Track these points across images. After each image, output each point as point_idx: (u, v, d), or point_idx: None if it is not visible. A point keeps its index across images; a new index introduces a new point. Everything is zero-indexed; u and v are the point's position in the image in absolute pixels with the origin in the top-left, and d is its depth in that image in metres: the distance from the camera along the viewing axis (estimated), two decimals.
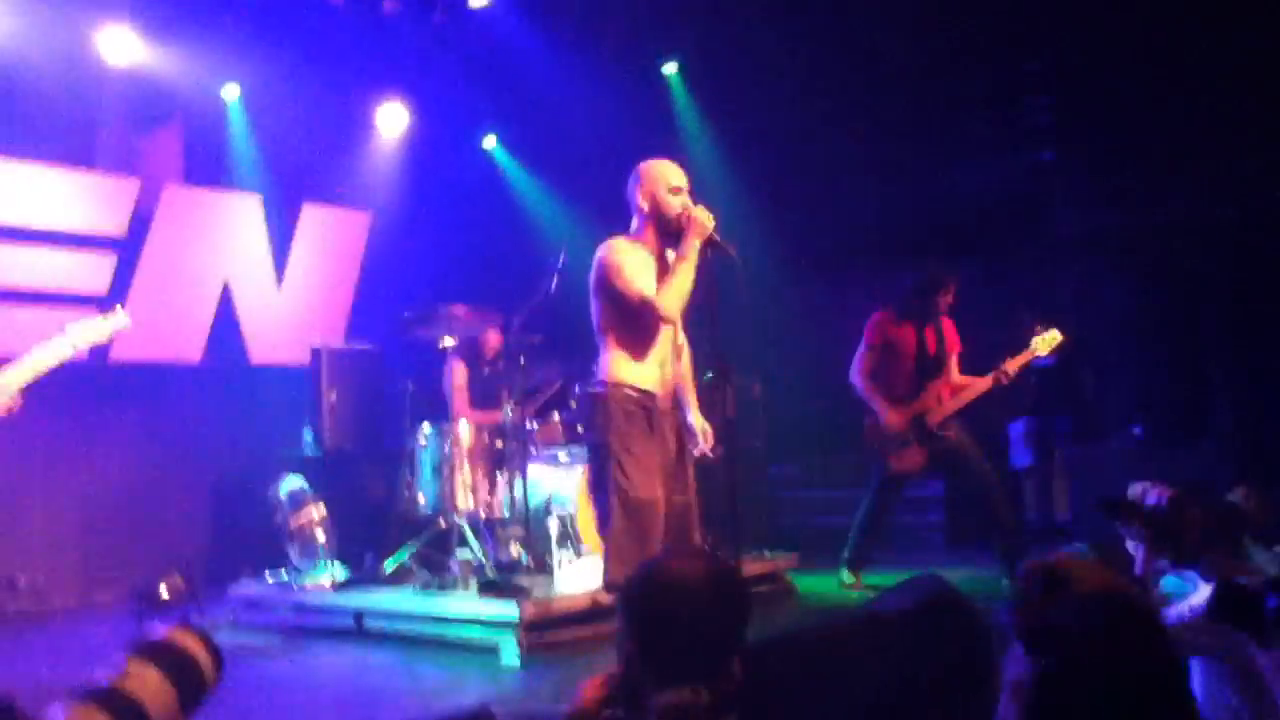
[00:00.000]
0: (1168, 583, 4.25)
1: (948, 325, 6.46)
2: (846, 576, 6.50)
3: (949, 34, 7.78)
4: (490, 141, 9.48)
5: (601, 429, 4.25)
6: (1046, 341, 6.21)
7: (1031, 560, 1.77)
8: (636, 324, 4.28)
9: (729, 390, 4.42)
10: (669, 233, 4.28)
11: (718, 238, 4.24)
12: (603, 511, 4.27)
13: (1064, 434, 7.94)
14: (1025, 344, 6.22)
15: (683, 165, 4.45)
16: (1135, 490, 5.09)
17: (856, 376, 6.41)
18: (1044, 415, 7.97)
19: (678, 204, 4.27)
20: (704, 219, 4.21)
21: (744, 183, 8.38)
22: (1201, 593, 3.98)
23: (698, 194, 4.39)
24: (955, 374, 6.38)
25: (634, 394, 4.25)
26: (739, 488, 4.27)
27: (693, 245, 4.19)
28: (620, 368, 4.28)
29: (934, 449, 6.26)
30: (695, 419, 4.54)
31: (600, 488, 4.27)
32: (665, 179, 4.32)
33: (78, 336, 3.87)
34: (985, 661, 3.08)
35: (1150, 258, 7.87)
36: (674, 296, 4.18)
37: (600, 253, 4.33)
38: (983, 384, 6.25)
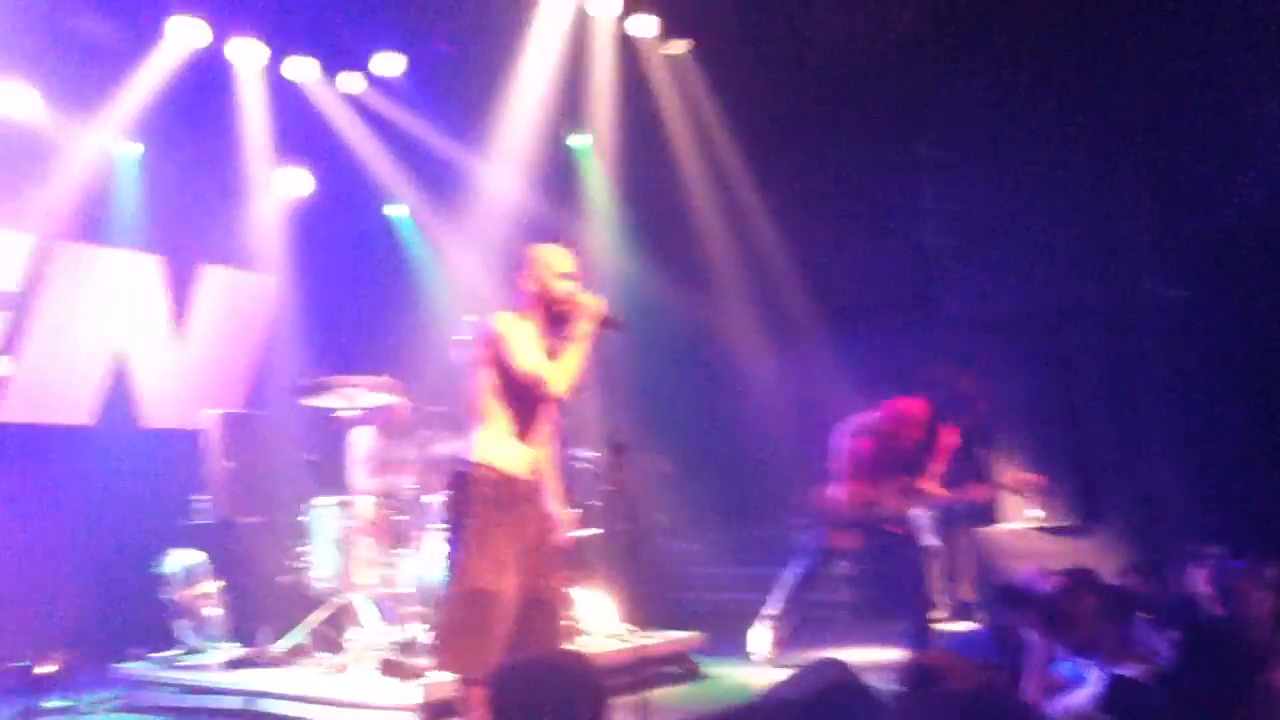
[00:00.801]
0: (1065, 669, 4.34)
1: (949, 434, 6.55)
2: (760, 644, 6.53)
3: (843, 112, 8.00)
4: (395, 210, 9.41)
5: (458, 510, 4.21)
6: (1023, 481, 6.77)
7: (909, 657, 1.79)
8: (521, 400, 4.24)
9: (627, 468, 4.41)
10: (555, 316, 4.30)
11: (608, 316, 4.26)
12: (443, 593, 4.22)
13: (966, 515, 8.08)
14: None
15: (585, 235, 4.47)
16: (1024, 576, 5.21)
17: (843, 443, 6.54)
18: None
19: (565, 290, 4.29)
20: (593, 304, 4.24)
21: (648, 256, 8.47)
22: (1092, 683, 4.07)
23: (598, 268, 4.42)
24: (927, 480, 6.53)
25: (496, 478, 4.20)
26: (642, 564, 4.24)
27: (583, 328, 4.20)
28: (486, 448, 4.22)
29: (871, 539, 6.46)
30: (556, 506, 4.44)
31: (446, 569, 4.23)
32: (553, 266, 4.35)
33: None
34: None
35: (1035, 341, 8.12)
36: (565, 374, 4.17)
37: (488, 325, 4.29)
38: (940, 496, 6.57)
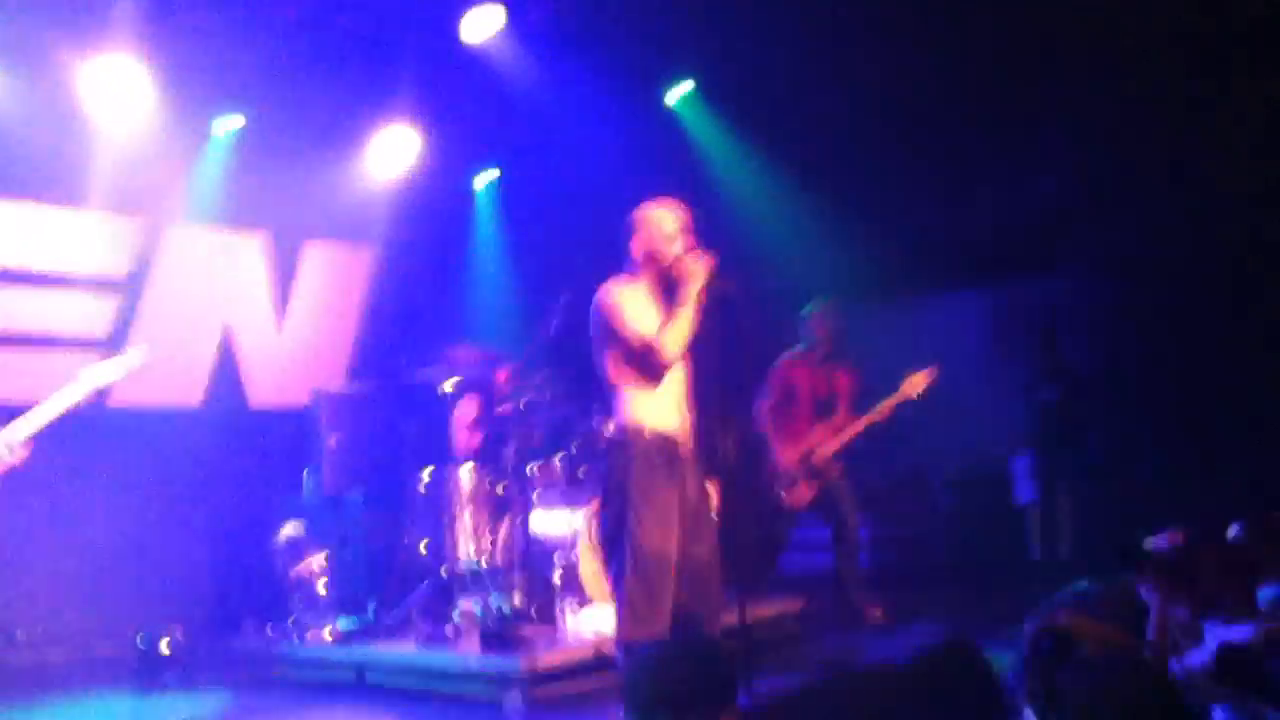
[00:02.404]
0: (1184, 629, 4.13)
1: (846, 366, 6.81)
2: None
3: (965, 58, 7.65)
4: (485, 180, 9.35)
5: (620, 473, 4.15)
6: (914, 383, 6.61)
7: (1039, 623, 1.66)
8: (643, 368, 4.20)
9: (731, 436, 4.34)
10: (666, 277, 4.23)
11: (716, 280, 4.18)
12: (616, 564, 4.15)
13: (1068, 469, 7.83)
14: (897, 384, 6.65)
15: (692, 195, 4.40)
16: (1149, 540, 4.98)
17: (760, 414, 6.74)
18: (1047, 450, 7.88)
19: (673, 251, 4.22)
20: (700, 268, 4.15)
21: (759, 210, 8.24)
22: (1205, 648, 3.87)
23: (713, 224, 4.34)
24: (844, 414, 6.72)
25: (657, 439, 4.16)
26: (743, 530, 4.19)
27: (690, 292, 4.13)
28: (641, 410, 4.19)
29: (819, 486, 6.61)
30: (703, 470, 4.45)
31: (615, 539, 4.15)
32: (660, 226, 4.28)
33: (92, 379, 3.80)
34: (1000, 713, 2.96)
35: (1160, 288, 7.78)
36: (675, 338, 4.13)
37: (598, 298, 4.28)
38: (855, 424, 6.65)
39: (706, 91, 8.69)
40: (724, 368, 4.73)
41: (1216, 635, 3.85)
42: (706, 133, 8.77)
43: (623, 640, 4.05)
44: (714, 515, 4.40)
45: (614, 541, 4.17)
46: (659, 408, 4.20)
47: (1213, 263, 7.49)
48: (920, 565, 8.09)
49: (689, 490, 4.21)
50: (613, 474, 4.21)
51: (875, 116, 7.99)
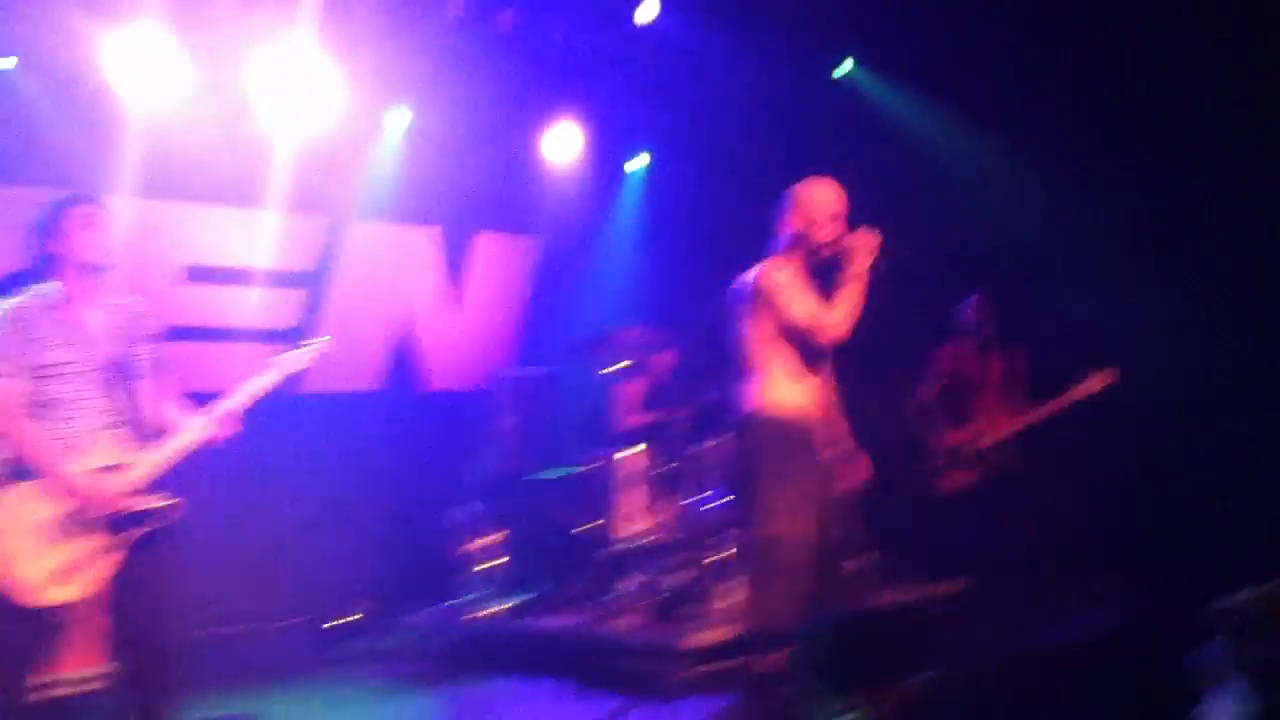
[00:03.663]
0: None
1: (1018, 354, 6.72)
2: None
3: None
4: (638, 164, 9.41)
5: (753, 456, 4.11)
6: (1093, 382, 6.41)
7: (1246, 595, 1.61)
8: (802, 347, 4.15)
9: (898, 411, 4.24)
10: (821, 257, 4.17)
11: (885, 249, 4.11)
12: (750, 548, 4.11)
13: None
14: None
15: (862, 171, 4.32)
16: None
17: (922, 399, 6.71)
18: None
19: (836, 231, 4.15)
20: (868, 244, 4.08)
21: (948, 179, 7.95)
22: None
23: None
24: (1019, 404, 6.62)
25: (793, 418, 4.11)
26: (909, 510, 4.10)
27: (862, 266, 4.06)
28: (778, 389, 4.13)
29: (984, 472, 6.54)
30: (847, 448, 4.35)
31: (748, 523, 4.11)
32: (825, 205, 4.21)
33: (285, 365, 4.05)
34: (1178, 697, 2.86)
35: None
36: (844, 319, 4.06)
37: (758, 275, 4.22)
38: (1032, 414, 6.52)
39: (876, 65, 8.49)
40: (888, 344, 4.64)
41: None
42: (884, 101, 8.53)
43: (757, 624, 4.03)
44: (857, 495, 4.29)
45: (747, 524, 4.12)
46: (799, 389, 4.14)
47: None
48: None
49: (825, 473, 4.15)
50: (746, 456, 4.16)
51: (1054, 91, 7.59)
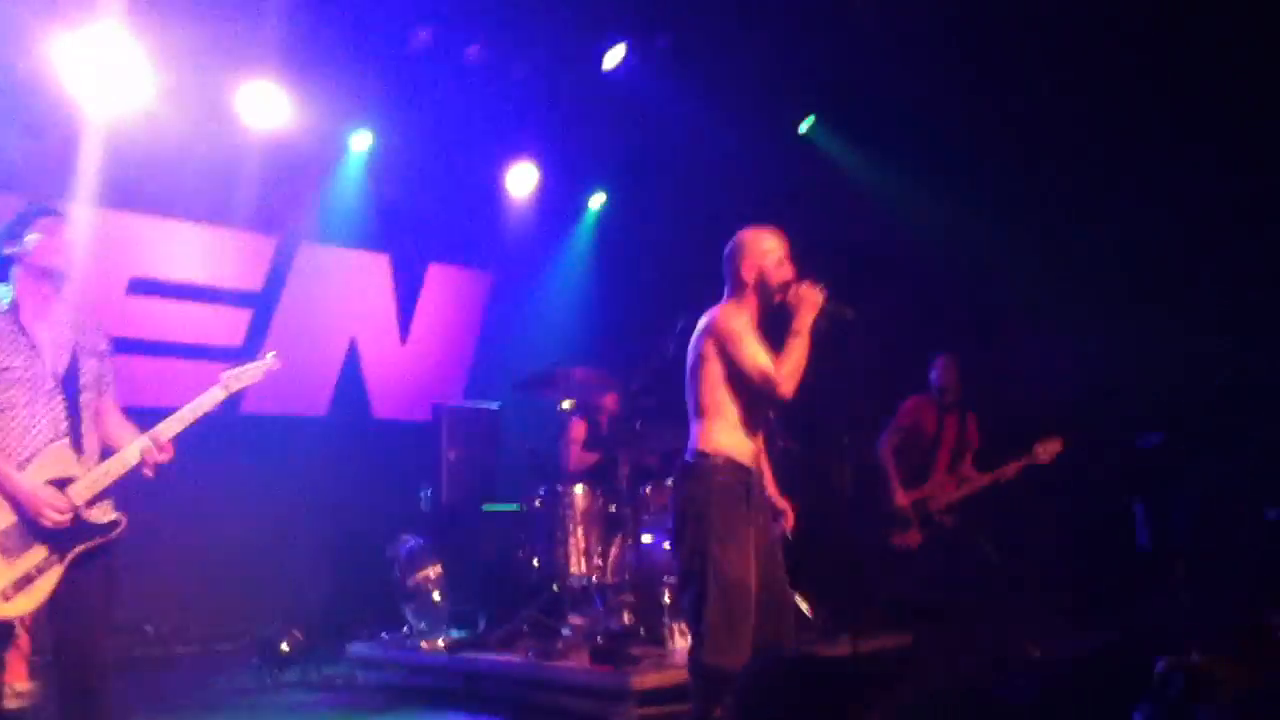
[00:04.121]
0: None
1: (971, 418, 6.86)
2: None
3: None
4: (597, 203, 9.47)
5: (700, 502, 4.10)
6: (1047, 449, 6.53)
7: (1172, 662, 1.63)
8: (747, 393, 4.18)
9: (846, 468, 4.29)
10: (771, 304, 4.21)
11: (831, 306, 4.16)
12: (695, 592, 4.10)
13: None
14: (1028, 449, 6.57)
15: (820, 225, 4.32)
16: None
17: (881, 449, 6.79)
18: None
19: (784, 277, 4.20)
20: (814, 296, 4.13)
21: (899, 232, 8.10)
22: None
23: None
24: (966, 467, 6.79)
25: (738, 468, 4.14)
26: (855, 563, 4.14)
27: (806, 322, 4.10)
28: (722, 437, 4.14)
29: (930, 533, 6.64)
30: (775, 495, 4.39)
31: (692, 567, 4.11)
32: (773, 251, 4.24)
33: (232, 382, 3.98)
34: None
35: None
36: (791, 373, 4.07)
37: (713, 321, 4.22)
38: (981, 481, 6.64)
39: (835, 120, 8.66)
40: (839, 395, 4.69)
41: None
42: (845, 158, 8.71)
43: (704, 667, 4.00)
44: (788, 538, 4.33)
45: (691, 569, 4.13)
46: (740, 436, 4.16)
47: None
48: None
49: (763, 519, 4.19)
50: (692, 502, 4.13)
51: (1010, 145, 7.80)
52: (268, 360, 4.14)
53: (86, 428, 3.77)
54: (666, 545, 6.31)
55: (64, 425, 3.71)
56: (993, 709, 3.15)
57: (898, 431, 6.80)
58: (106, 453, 3.79)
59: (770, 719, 2.41)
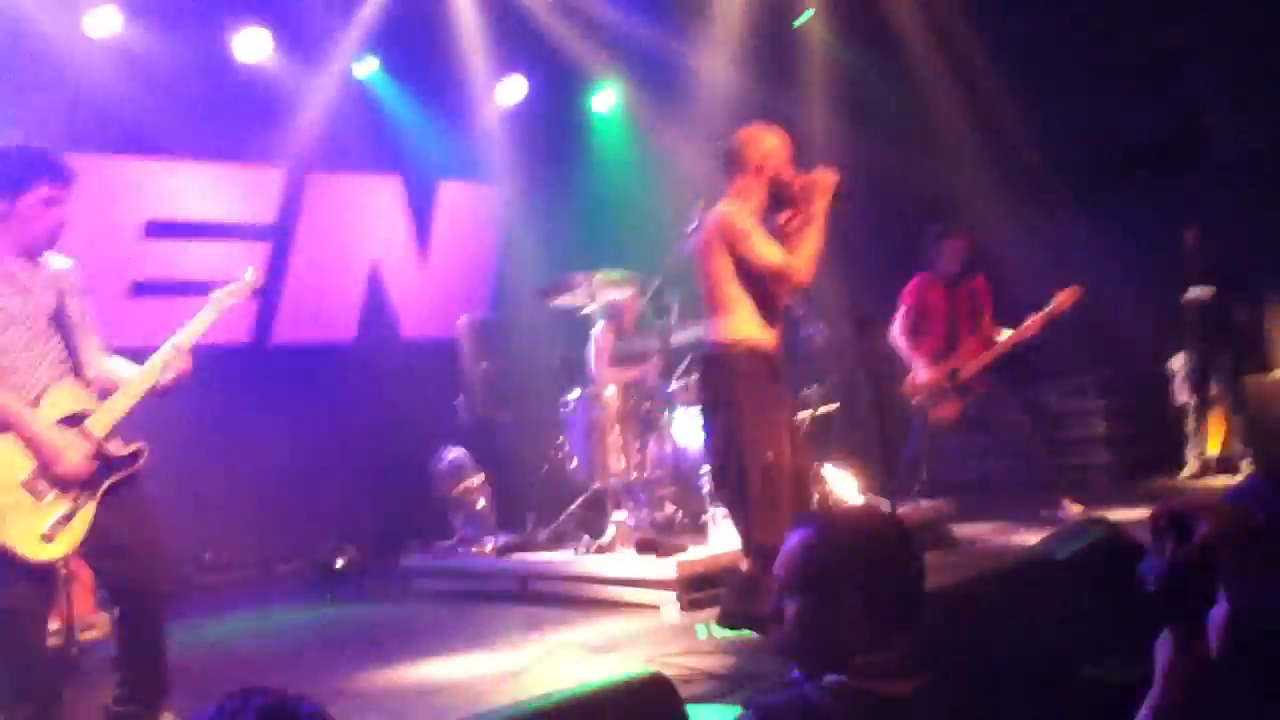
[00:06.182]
0: None
1: (980, 283, 6.80)
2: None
3: None
4: (603, 101, 9.42)
5: (729, 390, 4.17)
6: (1061, 300, 6.51)
7: (1160, 506, 1.69)
8: (762, 289, 4.22)
9: (872, 341, 4.32)
10: (779, 197, 4.23)
11: (841, 195, 4.18)
12: (734, 477, 4.19)
13: (1224, 369, 7.65)
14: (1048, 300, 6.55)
15: (807, 115, 4.35)
16: None
17: (896, 336, 6.78)
18: (1203, 350, 7.69)
19: (791, 172, 4.22)
20: (828, 179, 4.15)
21: (876, 128, 8.17)
22: None
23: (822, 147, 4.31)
24: (988, 330, 6.73)
25: (760, 353, 4.21)
26: (892, 436, 4.20)
27: (818, 207, 4.13)
28: (745, 327, 4.20)
29: (967, 401, 6.63)
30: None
31: (726, 453, 4.19)
32: (778, 147, 4.26)
33: (222, 301, 4.03)
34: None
35: None
36: (808, 261, 4.11)
37: (721, 217, 4.24)
38: (1005, 342, 6.61)
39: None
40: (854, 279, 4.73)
41: None
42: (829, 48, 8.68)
43: (760, 546, 4.06)
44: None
45: (728, 457, 4.21)
46: (758, 326, 4.21)
47: None
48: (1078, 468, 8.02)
49: (786, 403, 4.27)
50: (718, 390, 4.21)
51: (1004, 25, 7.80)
52: (248, 277, 4.20)
53: (87, 362, 3.79)
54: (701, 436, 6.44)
55: (66, 364, 3.71)
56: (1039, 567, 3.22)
57: (906, 314, 6.79)
58: (104, 394, 3.78)
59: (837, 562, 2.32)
